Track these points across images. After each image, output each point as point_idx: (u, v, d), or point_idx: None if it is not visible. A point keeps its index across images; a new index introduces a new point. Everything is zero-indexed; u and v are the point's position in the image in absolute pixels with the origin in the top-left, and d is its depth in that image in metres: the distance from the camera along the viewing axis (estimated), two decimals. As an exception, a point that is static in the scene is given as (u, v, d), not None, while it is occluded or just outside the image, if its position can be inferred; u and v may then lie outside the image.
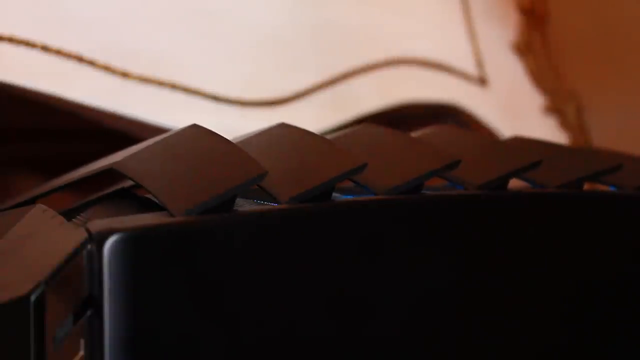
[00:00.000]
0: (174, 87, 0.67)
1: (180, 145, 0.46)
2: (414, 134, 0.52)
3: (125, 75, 0.66)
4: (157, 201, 0.44)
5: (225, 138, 0.46)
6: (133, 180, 0.45)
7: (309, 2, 0.73)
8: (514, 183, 0.50)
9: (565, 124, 0.86)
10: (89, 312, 0.40)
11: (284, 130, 0.49)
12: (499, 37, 0.84)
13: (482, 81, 0.81)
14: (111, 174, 0.47)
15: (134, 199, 0.47)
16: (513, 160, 0.50)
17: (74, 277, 0.41)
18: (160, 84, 0.67)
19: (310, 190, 0.44)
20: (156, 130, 0.68)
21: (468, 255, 0.47)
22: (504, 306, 0.48)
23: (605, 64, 1.00)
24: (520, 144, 0.55)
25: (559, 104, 0.86)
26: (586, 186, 0.52)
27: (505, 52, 0.84)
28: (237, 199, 0.44)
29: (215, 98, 0.69)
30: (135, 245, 0.41)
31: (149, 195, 0.46)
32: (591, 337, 0.50)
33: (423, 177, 0.47)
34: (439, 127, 0.54)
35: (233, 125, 0.69)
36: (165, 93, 0.67)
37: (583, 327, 0.50)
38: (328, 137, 0.50)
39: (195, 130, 0.47)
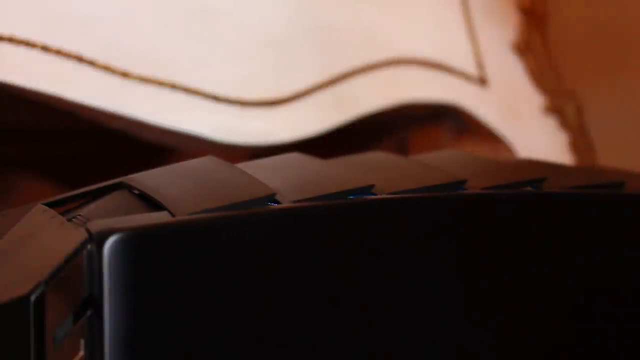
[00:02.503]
0: (174, 87, 0.67)
1: (193, 169, 0.47)
2: (421, 157, 0.53)
3: (125, 75, 0.66)
4: (160, 204, 0.44)
5: (237, 167, 0.47)
6: (140, 191, 0.45)
7: (309, 2, 0.73)
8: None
9: (565, 124, 0.86)
10: (89, 312, 0.40)
11: (295, 156, 0.50)
12: (499, 37, 0.84)
13: (482, 81, 0.81)
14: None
15: (136, 200, 0.47)
16: (516, 175, 0.50)
17: (74, 277, 0.41)
18: (160, 84, 0.67)
19: (313, 199, 0.45)
20: (156, 130, 0.68)
21: (470, 255, 0.47)
22: (506, 306, 0.48)
23: (605, 64, 1.00)
24: (526, 163, 0.55)
25: (559, 104, 0.86)
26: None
27: (505, 52, 0.84)
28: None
29: (215, 98, 0.69)
30: (136, 245, 0.41)
31: (150, 196, 0.46)
32: (593, 338, 0.50)
33: (425, 190, 0.47)
34: (444, 151, 0.55)
35: (233, 125, 0.69)
36: (165, 93, 0.67)
37: (585, 328, 0.50)
38: (337, 160, 0.51)
39: (209, 160, 0.48)
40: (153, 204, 0.45)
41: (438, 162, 0.51)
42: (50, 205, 0.48)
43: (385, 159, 0.52)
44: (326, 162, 0.49)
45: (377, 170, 0.49)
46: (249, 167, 0.48)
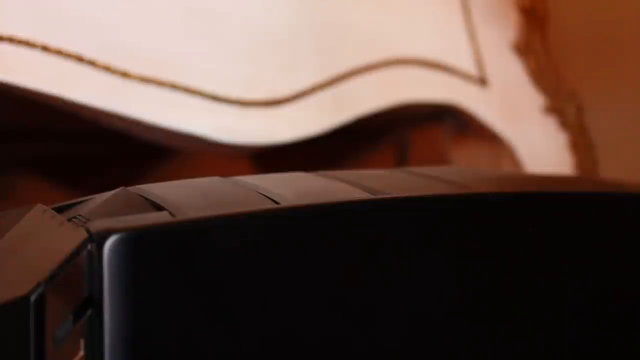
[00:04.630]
0: (174, 87, 0.67)
1: (197, 184, 0.47)
2: (421, 170, 0.53)
3: (125, 75, 0.66)
4: (160, 206, 0.44)
5: (243, 184, 0.47)
6: (143, 197, 0.45)
7: (309, 2, 0.73)
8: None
9: (565, 124, 0.86)
10: (89, 312, 0.40)
11: (301, 174, 0.50)
12: (499, 37, 0.84)
13: (482, 81, 0.81)
14: None
15: (136, 200, 0.47)
16: (518, 188, 0.50)
17: (74, 277, 0.41)
18: (160, 84, 0.67)
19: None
20: (156, 130, 0.68)
21: (469, 255, 0.47)
22: (506, 306, 0.48)
23: (605, 64, 1.00)
24: (528, 177, 0.55)
25: (559, 104, 0.86)
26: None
27: (505, 52, 0.84)
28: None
29: (215, 98, 0.69)
30: (135, 245, 0.41)
31: (151, 200, 0.46)
32: (594, 338, 0.50)
33: None
34: (446, 167, 0.55)
35: (233, 125, 0.69)
36: (165, 93, 0.67)
37: (585, 328, 0.50)
38: (341, 174, 0.51)
39: (215, 178, 0.48)
40: (154, 205, 0.45)
41: (439, 175, 0.51)
42: (56, 210, 0.48)
43: (387, 173, 0.52)
44: (330, 178, 0.49)
45: (380, 184, 0.49)
46: (253, 180, 0.49)
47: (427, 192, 0.48)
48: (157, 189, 0.47)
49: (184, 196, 0.45)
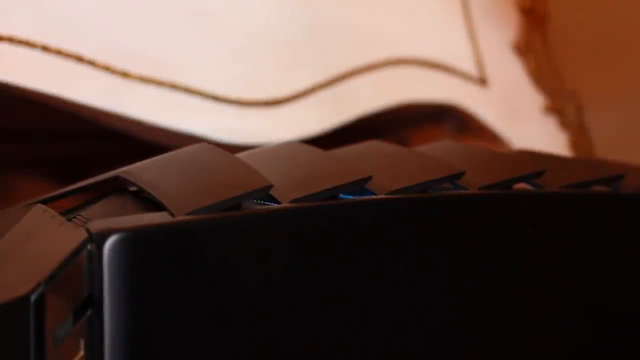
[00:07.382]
0: (174, 87, 0.67)
1: (188, 159, 0.47)
2: (418, 148, 0.52)
3: (125, 75, 0.66)
4: (159, 202, 0.44)
5: (232, 155, 0.47)
6: (137, 186, 0.45)
7: (309, 2, 0.73)
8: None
9: (565, 124, 0.86)
10: (89, 312, 0.40)
11: (291, 146, 0.50)
12: (499, 37, 0.84)
13: (482, 81, 0.81)
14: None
15: (135, 199, 0.47)
16: (516, 169, 0.50)
17: (74, 277, 0.41)
18: (160, 84, 0.67)
19: (312, 195, 0.44)
20: (156, 130, 0.68)
21: (470, 255, 0.47)
22: (505, 307, 0.48)
23: (605, 64, 1.00)
24: (525, 155, 0.55)
25: (559, 104, 0.86)
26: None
27: (505, 52, 0.84)
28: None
29: (215, 98, 0.69)
30: (135, 245, 0.41)
31: (148, 193, 0.46)
32: (593, 338, 0.50)
33: (423, 185, 0.47)
34: (442, 142, 0.55)
35: (233, 125, 0.69)
36: (165, 93, 0.67)
37: (584, 328, 0.50)
38: (335, 151, 0.51)
39: (204, 147, 0.47)
40: (152, 202, 0.45)
41: (436, 153, 0.51)
42: (49, 200, 0.48)
43: (383, 148, 0.51)
44: (324, 153, 0.49)
45: (375, 161, 0.49)
46: (246, 156, 0.48)
47: (421, 177, 0.47)
48: (148, 174, 0.46)
49: (178, 184, 0.45)
